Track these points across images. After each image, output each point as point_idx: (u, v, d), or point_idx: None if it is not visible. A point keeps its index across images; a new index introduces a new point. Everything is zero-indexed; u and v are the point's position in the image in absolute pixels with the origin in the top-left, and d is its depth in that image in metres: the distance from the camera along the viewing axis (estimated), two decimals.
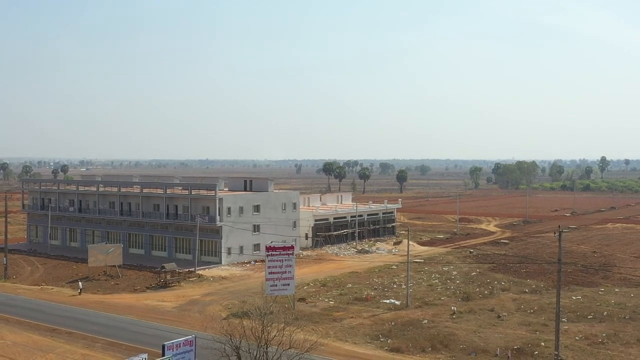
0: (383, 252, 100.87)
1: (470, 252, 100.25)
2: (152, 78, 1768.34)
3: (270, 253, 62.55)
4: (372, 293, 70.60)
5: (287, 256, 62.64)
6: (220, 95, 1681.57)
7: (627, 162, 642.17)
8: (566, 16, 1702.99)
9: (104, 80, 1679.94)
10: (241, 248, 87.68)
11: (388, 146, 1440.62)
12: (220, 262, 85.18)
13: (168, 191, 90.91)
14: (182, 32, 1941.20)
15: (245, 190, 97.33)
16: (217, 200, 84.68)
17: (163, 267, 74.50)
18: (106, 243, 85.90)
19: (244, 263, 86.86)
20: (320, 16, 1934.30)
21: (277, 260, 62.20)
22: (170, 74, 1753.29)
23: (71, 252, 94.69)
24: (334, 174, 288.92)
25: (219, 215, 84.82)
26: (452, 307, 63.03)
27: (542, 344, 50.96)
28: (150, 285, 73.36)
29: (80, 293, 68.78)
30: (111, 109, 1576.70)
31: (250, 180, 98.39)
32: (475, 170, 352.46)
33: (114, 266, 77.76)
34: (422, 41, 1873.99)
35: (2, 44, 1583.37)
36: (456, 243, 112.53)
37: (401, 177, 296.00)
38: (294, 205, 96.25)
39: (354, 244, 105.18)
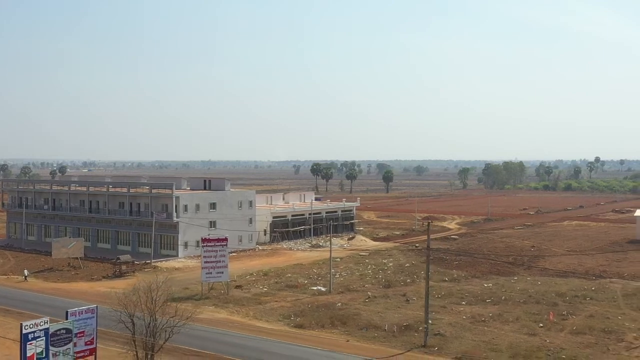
0: (335, 246, 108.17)
1: (416, 246, 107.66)
2: (157, 79, 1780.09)
3: (205, 244, 70.25)
4: (306, 281, 78.13)
5: (221, 247, 70.32)
6: (225, 96, 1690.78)
7: (622, 162, 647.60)
8: (571, 17, 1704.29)
9: (108, 81, 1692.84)
10: (198, 242, 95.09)
11: (391, 147, 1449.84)
12: (177, 255, 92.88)
13: (131, 190, 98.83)
14: (184, 33, 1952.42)
15: (205, 189, 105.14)
16: (174, 198, 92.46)
17: (118, 259, 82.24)
18: (70, 237, 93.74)
19: (200, 256, 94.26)
20: (323, 17, 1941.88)
21: (212, 251, 69.79)
22: (173, 74, 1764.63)
23: (45, 246, 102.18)
24: (321, 174, 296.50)
25: (175, 212, 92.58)
26: (369, 293, 70.67)
27: (430, 321, 58.37)
28: (107, 275, 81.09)
29: (26, 279, 76.89)
30: (115, 110, 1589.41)
31: (209, 180, 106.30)
32: (463, 171, 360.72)
33: (77, 258, 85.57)
34: (425, 41, 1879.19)
35: (5, 46, 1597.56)
36: (410, 239, 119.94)
37: (387, 177, 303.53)
38: (250, 203, 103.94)
39: (311, 239, 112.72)
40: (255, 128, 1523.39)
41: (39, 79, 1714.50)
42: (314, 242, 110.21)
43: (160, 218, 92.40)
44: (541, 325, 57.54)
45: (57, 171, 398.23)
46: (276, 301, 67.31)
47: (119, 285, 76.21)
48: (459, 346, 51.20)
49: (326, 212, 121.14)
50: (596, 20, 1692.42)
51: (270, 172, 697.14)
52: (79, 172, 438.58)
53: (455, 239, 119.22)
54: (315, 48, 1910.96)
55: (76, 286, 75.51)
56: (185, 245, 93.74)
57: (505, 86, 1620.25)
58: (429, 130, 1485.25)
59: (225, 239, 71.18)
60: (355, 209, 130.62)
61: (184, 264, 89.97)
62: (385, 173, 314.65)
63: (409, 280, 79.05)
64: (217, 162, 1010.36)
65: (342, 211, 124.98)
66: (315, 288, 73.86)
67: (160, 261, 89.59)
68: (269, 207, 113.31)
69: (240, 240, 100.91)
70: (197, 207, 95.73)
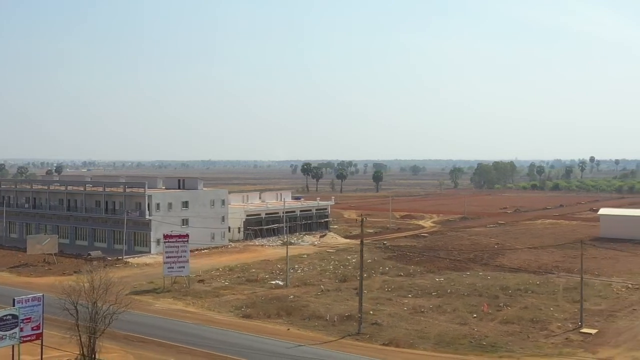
0: (306, 244, 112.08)
1: (384, 244, 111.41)
2: (157, 79, 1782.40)
3: (167, 240, 74.07)
4: (267, 276, 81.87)
5: (182, 243, 74.14)
6: (225, 96, 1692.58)
7: (617, 162, 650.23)
8: (571, 17, 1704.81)
9: (108, 81, 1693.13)
10: None
11: (391, 147, 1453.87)
12: (150, 252, 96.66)
13: (107, 189, 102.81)
14: (184, 33, 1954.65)
15: (179, 188, 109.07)
16: (147, 197, 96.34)
17: (89, 254, 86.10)
18: (46, 234, 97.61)
19: None
20: (323, 17, 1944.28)
21: (173, 247, 73.62)
22: (173, 74, 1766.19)
23: (25, 243, 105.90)
24: (311, 174, 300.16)
25: (148, 210, 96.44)
26: (321, 286, 74.56)
27: (371, 312, 62.28)
28: (79, 270, 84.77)
29: None
30: (115, 110, 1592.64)
31: (183, 180, 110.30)
32: (454, 170, 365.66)
33: (51, 254, 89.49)
34: (425, 41, 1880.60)
35: (5, 46, 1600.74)
36: (381, 236, 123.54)
37: (377, 177, 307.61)
38: (223, 202, 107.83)
39: (283, 237, 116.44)
40: (255, 128, 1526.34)
41: (39, 79, 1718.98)
42: (285, 240, 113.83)
43: (133, 216, 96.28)
44: (475, 315, 61.36)
45: (54, 171, 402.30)
46: (233, 294, 71.08)
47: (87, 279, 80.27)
48: (390, 334, 54.96)
49: (300, 211, 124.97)
50: (596, 20, 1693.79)
51: (269, 171, 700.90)
52: (78, 172, 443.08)
53: (425, 236, 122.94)
54: (315, 48, 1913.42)
55: (47, 280, 79.27)
56: (158, 242, 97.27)
57: (505, 86, 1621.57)
58: (429, 130, 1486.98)
59: (186, 236, 74.97)
60: (330, 208, 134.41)
61: (154, 259, 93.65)
62: (375, 173, 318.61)
63: (365, 275, 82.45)
64: (217, 162, 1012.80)
65: (316, 210, 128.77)
66: (273, 282, 77.62)
67: (133, 257, 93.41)
68: (244, 205, 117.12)
69: (213, 238, 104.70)
70: (170, 205, 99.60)
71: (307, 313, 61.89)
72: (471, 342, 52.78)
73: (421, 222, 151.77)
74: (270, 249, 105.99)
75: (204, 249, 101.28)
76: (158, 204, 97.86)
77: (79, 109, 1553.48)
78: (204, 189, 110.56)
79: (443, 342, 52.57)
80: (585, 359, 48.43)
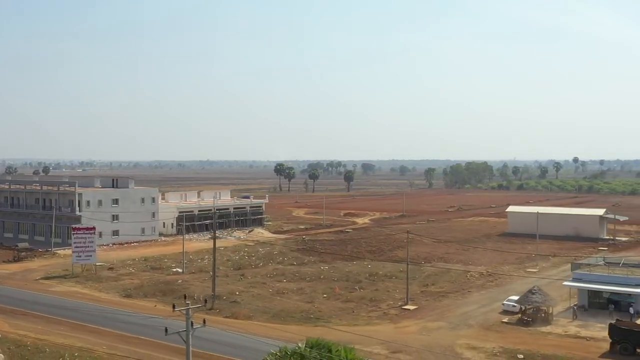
0: (233, 238, 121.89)
1: (303, 238, 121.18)
2: (157, 79, 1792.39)
3: (75, 232, 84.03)
4: (173, 265, 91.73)
5: (89, 235, 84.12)
6: (225, 96, 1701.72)
7: (601, 162, 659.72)
8: (571, 17, 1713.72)
9: (108, 81, 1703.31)
10: (100, 233, 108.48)
11: (390, 147, 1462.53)
12: None
13: (44, 188, 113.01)
14: (184, 33, 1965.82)
15: (113, 187, 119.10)
16: (77, 195, 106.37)
17: (16, 246, 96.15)
18: None
19: (102, 245, 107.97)
20: (323, 17, 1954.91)
21: (81, 238, 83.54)
22: (173, 74, 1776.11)
23: None
24: (284, 174, 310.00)
25: (78, 206, 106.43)
26: (210, 273, 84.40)
27: (237, 293, 72.20)
28: (7, 260, 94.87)
29: None
30: (114, 110, 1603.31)
31: (116, 179, 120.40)
32: (429, 171, 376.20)
33: None
34: (425, 41, 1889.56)
35: (5, 46, 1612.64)
36: (307, 232, 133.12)
37: (348, 177, 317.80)
38: (153, 199, 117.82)
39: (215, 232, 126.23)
40: (255, 128, 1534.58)
41: (39, 79, 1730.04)
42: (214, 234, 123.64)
43: (65, 212, 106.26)
44: (325, 296, 71.23)
45: (41, 171, 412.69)
46: (131, 279, 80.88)
47: (12, 267, 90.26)
48: (239, 310, 64.74)
49: (234, 208, 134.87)
50: (596, 20, 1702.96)
51: (263, 172, 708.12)
52: (74, 172, 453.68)
53: (348, 232, 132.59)
54: (315, 48, 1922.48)
55: None
56: None
57: (505, 86, 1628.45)
58: (429, 130, 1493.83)
59: (93, 228, 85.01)
60: (265, 205, 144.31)
61: None
62: (347, 173, 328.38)
63: (261, 264, 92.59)
64: (215, 161, 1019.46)
65: (250, 207, 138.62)
66: (174, 270, 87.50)
67: (64, 249, 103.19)
68: (178, 202, 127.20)
69: (143, 232, 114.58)
70: (100, 202, 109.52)
71: (181, 293, 71.48)
72: (303, 315, 62.61)
73: (358, 220, 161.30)
74: (197, 243, 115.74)
75: (133, 242, 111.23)
76: (88, 201, 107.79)
77: (78, 109, 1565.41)
78: (135, 187, 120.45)
79: (278, 316, 62.40)
80: (381, 328, 58.15)
